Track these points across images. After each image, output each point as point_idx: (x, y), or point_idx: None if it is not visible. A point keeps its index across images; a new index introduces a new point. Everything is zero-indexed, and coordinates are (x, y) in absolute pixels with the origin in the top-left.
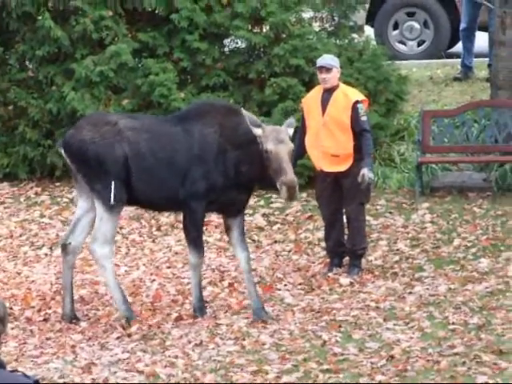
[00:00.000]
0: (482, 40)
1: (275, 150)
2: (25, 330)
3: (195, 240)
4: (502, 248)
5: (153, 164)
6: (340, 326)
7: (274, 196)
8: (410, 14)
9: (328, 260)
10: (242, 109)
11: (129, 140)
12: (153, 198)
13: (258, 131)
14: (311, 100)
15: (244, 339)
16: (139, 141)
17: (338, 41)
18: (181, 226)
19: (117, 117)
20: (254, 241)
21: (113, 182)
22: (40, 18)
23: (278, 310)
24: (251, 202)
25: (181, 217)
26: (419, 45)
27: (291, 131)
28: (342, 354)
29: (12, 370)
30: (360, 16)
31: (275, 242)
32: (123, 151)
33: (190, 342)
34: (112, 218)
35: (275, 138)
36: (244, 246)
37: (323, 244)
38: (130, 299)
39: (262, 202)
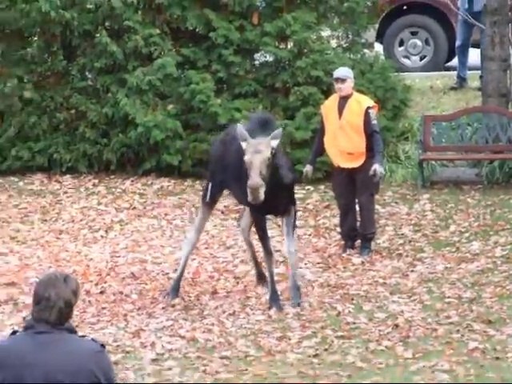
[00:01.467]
0: (474, 55)
1: (249, 160)
2: (84, 301)
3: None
4: (490, 233)
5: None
6: (352, 299)
7: (297, 188)
8: (414, 33)
9: (342, 242)
10: (239, 125)
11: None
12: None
13: (243, 144)
14: (329, 106)
15: (270, 310)
16: None
17: (351, 55)
18: (217, 212)
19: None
20: (279, 226)
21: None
22: (98, 35)
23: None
24: None
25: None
26: (421, 59)
27: (275, 142)
28: (354, 323)
29: (81, 336)
30: (370, 34)
31: (298, 226)
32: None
33: (224, 312)
34: (204, 211)
35: (253, 150)
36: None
37: (338, 229)
38: (173, 275)
39: None
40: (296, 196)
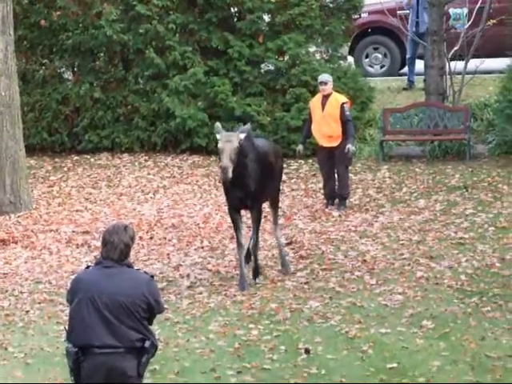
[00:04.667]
0: (419, 65)
1: (222, 147)
2: (138, 244)
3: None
4: (432, 193)
5: None
6: (332, 242)
7: (292, 160)
8: (376, 49)
9: (325, 201)
10: (217, 123)
11: None
12: None
13: (218, 136)
14: (315, 102)
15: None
16: None
17: (331, 65)
18: None
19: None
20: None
21: None
22: (147, 51)
23: (294, 232)
24: None
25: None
26: (381, 67)
27: (243, 135)
28: (334, 259)
29: (136, 269)
30: (344, 50)
31: (292, 189)
32: None
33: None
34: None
35: (225, 140)
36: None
37: (322, 191)
38: (202, 225)
39: (284, 166)
40: (291, 167)
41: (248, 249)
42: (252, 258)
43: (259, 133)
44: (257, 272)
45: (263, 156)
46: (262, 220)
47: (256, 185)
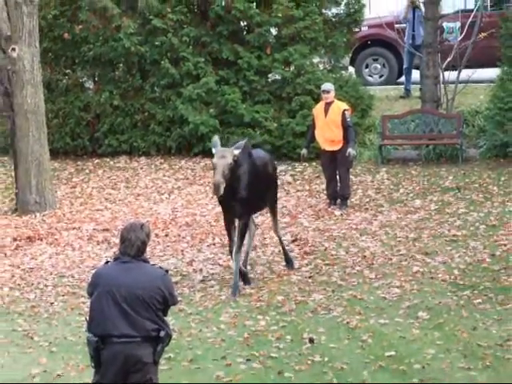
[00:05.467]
0: (416, 74)
1: (215, 162)
2: (154, 241)
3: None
4: (427, 194)
5: None
6: (335, 239)
7: (297, 163)
8: (375, 60)
9: (328, 201)
10: (215, 136)
11: None
12: None
13: (213, 150)
14: (318, 109)
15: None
16: None
17: (333, 75)
18: None
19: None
20: (285, 190)
21: None
22: (162, 62)
23: (299, 230)
24: (283, 167)
25: None
26: (380, 77)
27: (237, 151)
28: (336, 255)
29: (152, 264)
30: (346, 61)
31: (297, 190)
32: None
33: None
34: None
35: (220, 155)
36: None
37: (325, 192)
38: (214, 224)
39: (290, 168)
40: (296, 170)
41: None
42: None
43: (260, 140)
44: (245, 278)
45: (261, 167)
46: (268, 218)
47: (248, 194)
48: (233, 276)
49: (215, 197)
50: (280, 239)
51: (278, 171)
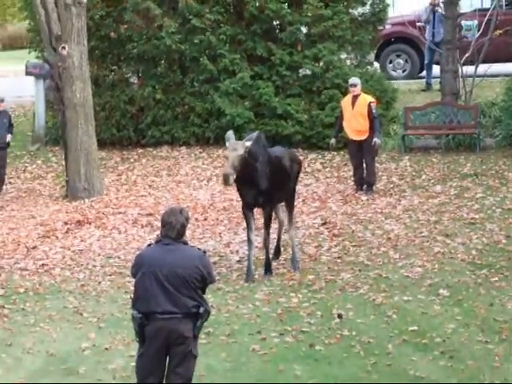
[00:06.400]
0: (436, 69)
1: (227, 155)
2: (193, 225)
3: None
4: (447, 180)
5: None
6: (361, 222)
7: (326, 152)
8: (398, 55)
9: (355, 187)
10: (230, 131)
11: None
12: None
13: (226, 144)
14: (346, 101)
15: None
16: None
17: (359, 70)
18: None
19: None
20: (315, 177)
21: None
22: (201, 59)
23: (328, 214)
24: (313, 155)
25: None
26: (403, 72)
27: (249, 143)
28: (363, 237)
29: (191, 246)
30: (371, 56)
31: (326, 177)
32: None
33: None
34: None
35: (231, 148)
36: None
37: (352, 178)
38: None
39: (319, 156)
40: (325, 158)
41: (277, 245)
42: (265, 253)
43: (292, 130)
44: (268, 268)
45: (276, 160)
46: (300, 203)
47: (267, 184)
48: (264, 258)
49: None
50: (291, 238)
51: (298, 168)
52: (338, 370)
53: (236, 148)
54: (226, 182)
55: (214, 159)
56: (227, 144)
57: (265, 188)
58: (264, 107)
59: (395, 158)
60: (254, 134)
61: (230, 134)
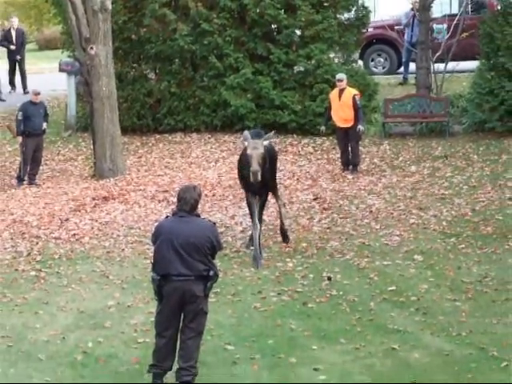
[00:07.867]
0: (412, 66)
1: (250, 153)
2: (204, 200)
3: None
4: (421, 161)
5: None
6: (348, 197)
7: (317, 137)
8: (379, 54)
9: (342, 167)
10: (246, 131)
11: None
12: None
13: (245, 143)
14: (334, 94)
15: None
16: None
17: (345, 67)
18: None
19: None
20: (307, 159)
21: None
22: (210, 58)
23: (319, 190)
24: (306, 140)
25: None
26: (383, 68)
27: (267, 142)
28: (348, 210)
29: (203, 218)
30: (356, 55)
31: (317, 159)
32: None
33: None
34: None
35: (252, 147)
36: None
37: (340, 160)
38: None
39: (311, 141)
40: (317, 142)
41: (282, 228)
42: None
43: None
44: (284, 236)
45: (273, 154)
46: (295, 182)
47: (267, 177)
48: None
49: (250, 179)
50: (283, 217)
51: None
52: (327, 325)
53: (257, 147)
54: (255, 177)
55: (220, 144)
56: (246, 143)
57: (265, 180)
58: (264, 99)
59: (376, 142)
60: (271, 134)
61: (247, 133)
